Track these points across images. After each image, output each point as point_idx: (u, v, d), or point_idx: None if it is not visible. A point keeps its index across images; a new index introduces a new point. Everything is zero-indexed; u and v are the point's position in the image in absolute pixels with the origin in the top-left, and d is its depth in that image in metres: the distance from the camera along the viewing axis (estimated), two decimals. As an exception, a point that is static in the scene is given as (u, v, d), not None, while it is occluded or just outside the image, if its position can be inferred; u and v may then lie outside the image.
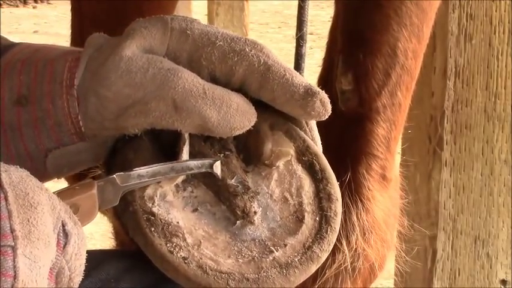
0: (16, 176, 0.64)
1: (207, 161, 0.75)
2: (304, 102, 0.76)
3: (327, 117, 0.77)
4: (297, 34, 1.08)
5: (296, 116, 0.79)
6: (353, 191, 1.06)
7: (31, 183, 0.64)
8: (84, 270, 0.75)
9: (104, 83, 0.74)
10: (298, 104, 0.76)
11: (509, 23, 1.40)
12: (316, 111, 0.76)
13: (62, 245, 0.65)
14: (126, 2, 1.23)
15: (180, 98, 0.73)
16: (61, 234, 0.65)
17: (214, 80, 0.77)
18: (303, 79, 0.77)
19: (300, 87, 0.76)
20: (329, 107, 0.77)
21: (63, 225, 0.65)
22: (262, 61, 0.76)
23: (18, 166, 0.65)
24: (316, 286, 1.05)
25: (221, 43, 0.76)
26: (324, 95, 0.76)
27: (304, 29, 1.08)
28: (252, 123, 0.76)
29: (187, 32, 0.77)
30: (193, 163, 0.75)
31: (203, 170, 0.75)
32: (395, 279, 1.43)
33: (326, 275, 1.04)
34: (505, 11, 1.39)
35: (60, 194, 0.68)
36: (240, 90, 0.77)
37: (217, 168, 0.75)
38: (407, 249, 1.18)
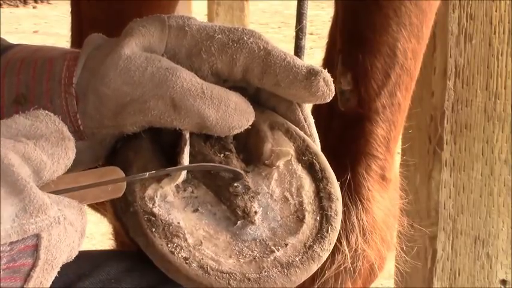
0: (56, 234, 0.63)
1: (237, 170, 0.75)
2: (308, 82, 0.76)
3: (331, 97, 0.77)
4: (296, 27, 1.07)
5: (301, 100, 0.79)
6: (352, 192, 1.05)
7: (65, 241, 0.64)
8: (84, 271, 0.75)
9: (102, 80, 0.75)
10: (302, 85, 0.76)
11: (509, 23, 1.40)
12: (320, 90, 0.76)
13: None
14: (125, 3, 1.24)
15: (179, 97, 0.74)
16: None
17: (216, 72, 0.77)
18: (303, 61, 0.77)
19: (303, 68, 0.76)
20: (332, 86, 0.77)
21: None
22: (261, 47, 0.77)
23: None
24: (316, 287, 1.05)
25: (219, 36, 0.77)
26: (326, 74, 0.77)
27: (304, 21, 1.08)
28: (250, 123, 0.76)
29: (186, 28, 0.77)
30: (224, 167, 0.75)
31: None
32: (395, 279, 1.43)
33: (326, 275, 1.04)
34: (505, 11, 1.39)
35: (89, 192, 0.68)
36: (243, 79, 0.78)
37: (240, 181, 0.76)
38: (407, 249, 1.18)
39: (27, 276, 0.62)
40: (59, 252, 0.63)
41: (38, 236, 0.62)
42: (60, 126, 0.69)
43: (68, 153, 0.68)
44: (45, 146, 0.66)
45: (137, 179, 0.73)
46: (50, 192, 0.65)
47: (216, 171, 0.76)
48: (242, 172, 0.76)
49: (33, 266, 0.62)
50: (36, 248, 0.62)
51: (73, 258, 0.66)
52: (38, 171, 0.65)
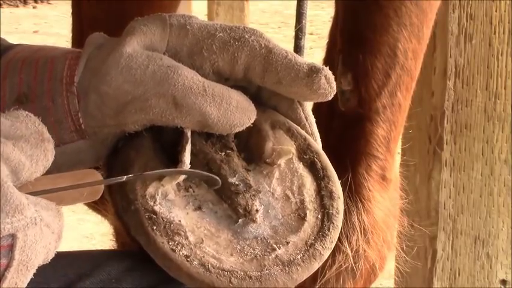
0: (32, 235, 0.63)
1: (213, 177, 0.75)
2: (310, 80, 0.76)
3: (332, 95, 0.77)
4: (296, 26, 1.08)
5: (302, 98, 0.80)
6: (353, 192, 1.06)
7: (41, 242, 0.63)
8: (85, 271, 0.75)
9: (104, 79, 0.75)
10: (304, 82, 0.76)
11: (509, 23, 1.40)
12: (322, 88, 0.76)
13: None
14: (126, 3, 1.24)
15: (180, 95, 0.74)
16: None
17: (218, 71, 0.77)
18: (305, 59, 0.77)
19: (304, 65, 0.76)
20: (334, 84, 0.77)
21: None
22: (263, 45, 0.77)
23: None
24: (317, 287, 1.05)
25: (221, 34, 0.77)
26: (328, 72, 0.76)
27: (304, 21, 1.08)
28: (252, 121, 0.76)
29: (187, 27, 0.78)
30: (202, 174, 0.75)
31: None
32: (395, 279, 1.43)
33: (327, 275, 1.04)
34: (505, 11, 1.39)
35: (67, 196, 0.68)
36: (245, 78, 0.78)
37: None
38: (407, 249, 1.18)
39: (1, 277, 0.61)
40: (34, 254, 0.63)
41: (13, 236, 0.61)
42: (40, 128, 0.68)
43: (47, 155, 0.67)
44: (24, 147, 0.66)
45: (117, 181, 0.73)
46: (27, 194, 0.65)
47: (193, 176, 0.76)
48: (218, 179, 0.75)
49: (8, 266, 0.61)
50: (11, 248, 0.62)
51: (49, 260, 0.65)
52: (16, 171, 0.64)
